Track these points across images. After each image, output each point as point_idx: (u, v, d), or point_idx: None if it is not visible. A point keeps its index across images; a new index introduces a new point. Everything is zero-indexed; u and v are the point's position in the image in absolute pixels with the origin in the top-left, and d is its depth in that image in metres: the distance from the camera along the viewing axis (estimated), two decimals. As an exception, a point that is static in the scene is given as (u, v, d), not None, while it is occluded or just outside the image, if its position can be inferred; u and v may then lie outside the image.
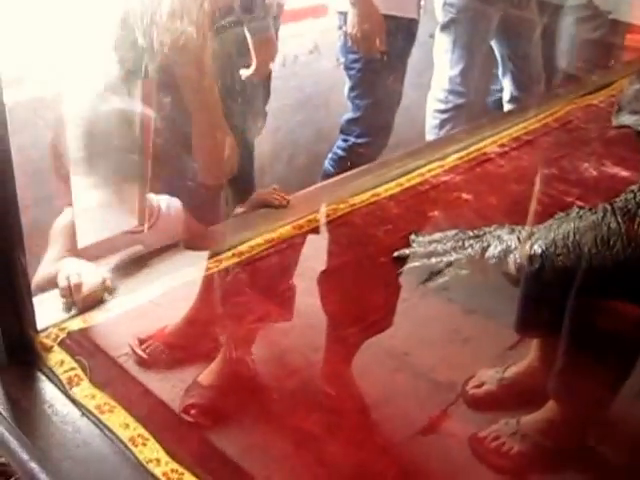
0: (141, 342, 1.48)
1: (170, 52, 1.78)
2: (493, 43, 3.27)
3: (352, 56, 2.80)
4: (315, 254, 1.83)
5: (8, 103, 1.19)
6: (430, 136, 3.23)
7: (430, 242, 1.76)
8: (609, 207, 1.37)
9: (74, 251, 1.71)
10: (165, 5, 1.73)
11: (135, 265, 1.69)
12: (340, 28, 2.77)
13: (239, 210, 1.96)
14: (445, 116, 3.19)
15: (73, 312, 1.52)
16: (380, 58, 2.71)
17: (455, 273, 1.66)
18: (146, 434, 1.22)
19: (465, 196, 2.07)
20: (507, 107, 3.39)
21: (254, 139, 2.57)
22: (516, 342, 1.50)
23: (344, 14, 2.70)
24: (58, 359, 1.39)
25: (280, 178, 3.15)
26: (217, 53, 2.04)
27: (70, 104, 1.65)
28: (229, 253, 1.75)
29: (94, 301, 1.55)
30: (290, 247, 1.81)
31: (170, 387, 1.38)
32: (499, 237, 1.60)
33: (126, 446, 1.20)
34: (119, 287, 1.60)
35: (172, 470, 1.16)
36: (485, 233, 1.68)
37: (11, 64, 1.32)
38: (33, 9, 1.47)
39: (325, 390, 1.43)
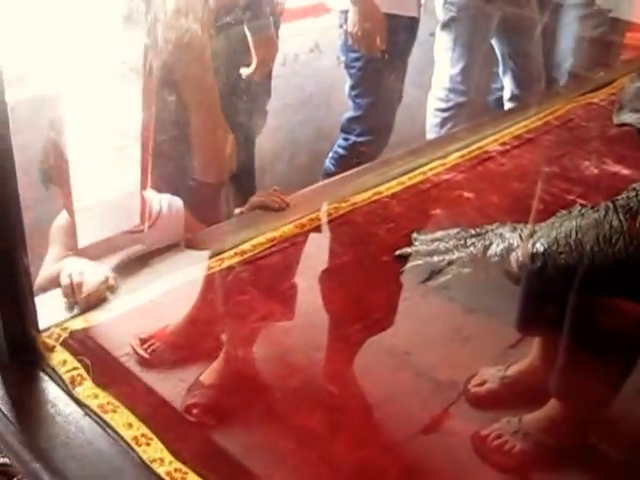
0: (142, 342, 1.48)
1: (173, 49, 1.78)
2: (493, 41, 3.27)
3: (353, 55, 2.80)
4: (317, 253, 1.83)
5: (10, 102, 1.19)
6: (431, 135, 3.23)
7: (432, 240, 1.76)
8: (611, 205, 1.37)
9: (75, 251, 1.71)
10: (170, 3, 1.73)
11: (137, 264, 1.69)
12: (341, 27, 2.77)
13: (237, 212, 1.96)
14: (446, 115, 3.19)
15: (75, 312, 1.52)
16: (381, 57, 2.71)
17: (457, 271, 1.66)
18: (150, 434, 1.22)
19: (467, 194, 2.07)
20: (508, 105, 3.38)
21: (255, 138, 2.57)
22: (517, 340, 1.51)
23: (345, 13, 2.70)
24: (61, 359, 1.39)
25: (281, 177, 3.16)
26: (217, 52, 2.04)
27: (70, 103, 1.65)
28: (231, 252, 1.75)
29: (97, 300, 1.55)
30: (292, 246, 1.81)
31: (173, 386, 1.38)
32: (501, 235, 1.60)
33: (129, 446, 1.20)
34: (121, 286, 1.60)
35: (176, 469, 1.16)
36: (487, 231, 1.68)
37: (13, 63, 1.32)
38: (36, 7, 1.47)
39: (327, 389, 1.44)
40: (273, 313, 1.62)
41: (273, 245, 1.80)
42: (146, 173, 1.79)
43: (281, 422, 1.33)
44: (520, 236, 1.54)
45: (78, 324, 1.49)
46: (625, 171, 2.17)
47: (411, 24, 2.84)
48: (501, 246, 1.57)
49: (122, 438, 1.22)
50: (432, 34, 3.21)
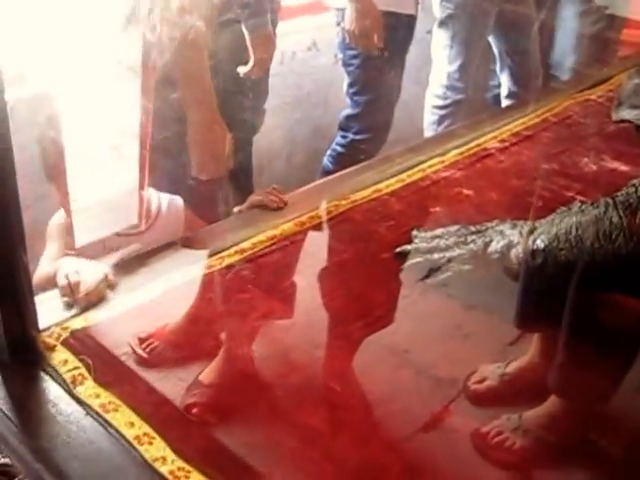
0: (141, 341, 1.48)
1: (171, 47, 1.78)
2: (490, 39, 3.27)
3: (350, 52, 2.79)
4: (317, 251, 1.83)
5: (10, 101, 1.18)
6: (428, 132, 3.23)
7: (432, 238, 1.76)
8: (611, 201, 1.37)
9: (72, 250, 1.71)
10: (167, 1, 1.73)
11: (137, 263, 1.69)
12: (338, 24, 2.76)
13: (236, 210, 1.96)
14: (443, 112, 3.19)
15: (75, 311, 1.52)
16: (378, 54, 2.71)
17: (458, 269, 1.66)
18: (152, 432, 1.22)
19: (466, 191, 2.07)
20: (505, 102, 3.39)
21: (252, 136, 2.58)
22: (517, 337, 1.51)
23: (342, 10, 2.69)
24: (61, 358, 1.39)
25: (279, 175, 3.16)
26: (215, 50, 2.04)
27: (67, 102, 1.65)
28: (231, 250, 1.75)
29: (97, 298, 1.55)
30: (292, 244, 1.81)
31: (173, 385, 1.38)
32: (501, 232, 1.60)
33: (132, 445, 1.20)
34: (122, 285, 1.60)
35: (179, 468, 1.16)
36: (487, 228, 1.68)
37: (13, 62, 1.31)
38: (36, 6, 1.46)
39: (328, 387, 1.44)
40: (273, 311, 1.62)
41: (273, 243, 1.80)
42: (144, 171, 1.79)
43: (282, 420, 1.33)
44: (520, 233, 1.54)
45: (78, 323, 1.49)
46: (624, 167, 2.17)
47: (408, 21, 2.84)
48: (501, 243, 1.57)
49: (124, 437, 1.22)
50: (429, 32, 3.20)
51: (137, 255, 1.72)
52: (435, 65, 3.21)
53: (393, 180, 2.11)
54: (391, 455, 1.27)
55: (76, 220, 1.70)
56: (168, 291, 1.61)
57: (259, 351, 1.51)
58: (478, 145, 2.35)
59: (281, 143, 3.33)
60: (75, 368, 1.36)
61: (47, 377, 1.35)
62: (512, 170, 2.22)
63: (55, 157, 1.69)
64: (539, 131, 2.49)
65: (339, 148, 2.96)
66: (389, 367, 1.45)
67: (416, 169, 2.18)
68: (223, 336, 1.58)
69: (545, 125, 2.54)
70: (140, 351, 1.45)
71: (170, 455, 1.18)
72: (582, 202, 1.44)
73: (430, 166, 2.21)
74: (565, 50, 3.48)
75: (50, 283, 1.59)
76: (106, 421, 1.25)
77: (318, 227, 1.89)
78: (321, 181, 2.38)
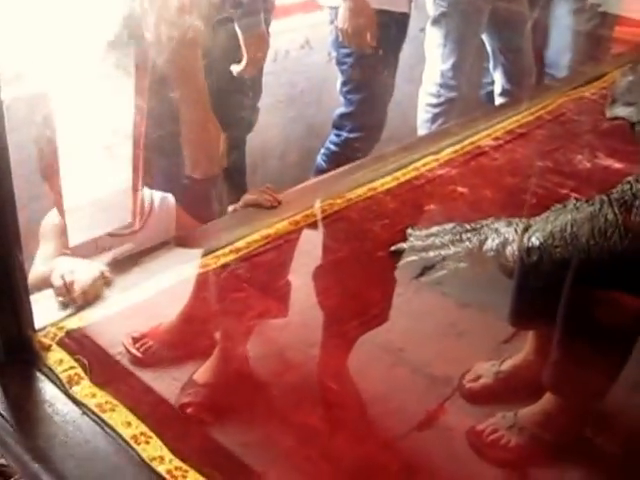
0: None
1: (164, 46, 1.78)
2: (484, 36, 3.27)
3: (344, 51, 2.79)
4: (312, 249, 1.83)
5: (6, 100, 1.18)
6: (422, 130, 3.23)
7: (427, 236, 1.76)
8: (606, 198, 1.37)
9: (66, 249, 1.71)
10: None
11: (132, 262, 1.69)
12: (331, 23, 2.76)
13: (231, 210, 1.96)
14: (437, 110, 3.19)
15: (71, 311, 1.52)
16: (372, 53, 2.71)
17: (453, 266, 1.66)
18: (149, 432, 1.22)
19: (461, 189, 2.07)
20: (499, 100, 3.39)
21: (246, 135, 2.57)
22: (511, 335, 1.51)
23: (335, 9, 2.69)
24: (57, 358, 1.39)
25: (272, 174, 3.15)
26: (208, 49, 2.03)
27: (62, 101, 1.65)
28: (226, 249, 1.75)
29: (94, 296, 1.55)
30: (287, 243, 1.81)
31: (168, 384, 1.38)
32: (496, 230, 1.60)
33: (129, 444, 1.20)
34: (117, 285, 1.60)
35: (176, 467, 1.16)
36: (482, 226, 1.68)
37: (10, 61, 1.31)
38: (33, 4, 1.46)
39: (323, 386, 1.44)
40: (268, 310, 1.62)
41: (268, 242, 1.80)
42: (138, 171, 1.79)
43: (278, 419, 1.33)
44: (515, 230, 1.54)
45: (74, 323, 1.49)
46: (618, 164, 2.18)
47: (402, 20, 2.84)
48: (497, 241, 1.57)
49: (121, 437, 1.22)
50: (423, 29, 3.21)
51: (132, 254, 1.72)
52: (428, 63, 3.21)
53: (388, 178, 2.11)
54: (386, 453, 1.27)
55: (69, 220, 1.70)
56: (164, 290, 1.61)
57: (254, 350, 1.51)
58: (472, 143, 2.36)
59: (275, 142, 3.33)
60: (71, 368, 1.36)
61: (43, 377, 1.34)
62: (506, 168, 2.22)
63: (50, 156, 1.69)
64: (533, 129, 2.49)
65: (333, 146, 2.96)
66: (384, 366, 1.46)
67: (410, 167, 2.19)
68: (218, 335, 1.58)
69: (539, 123, 2.54)
70: (134, 350, 1.45)
71: (167, 454, 1.18)
72: (577, 199, 1.44)
73: (424, 164, 2.21)
74: (560, 48, 3.49)
75: (45, 283, 1.58)
76: (103, 421, 1.25)
77: (313, 226, 1.89)
78: (316, 180, 2.38)
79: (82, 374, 1.35)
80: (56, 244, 1.75)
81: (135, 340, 1.47)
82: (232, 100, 2.32)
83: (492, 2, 3.10)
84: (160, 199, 1.92)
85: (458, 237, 1.69)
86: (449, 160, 2.25)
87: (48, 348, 1.41)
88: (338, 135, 2.95)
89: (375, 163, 2.22)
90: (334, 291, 1.68)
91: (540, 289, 1.38)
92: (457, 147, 2.32)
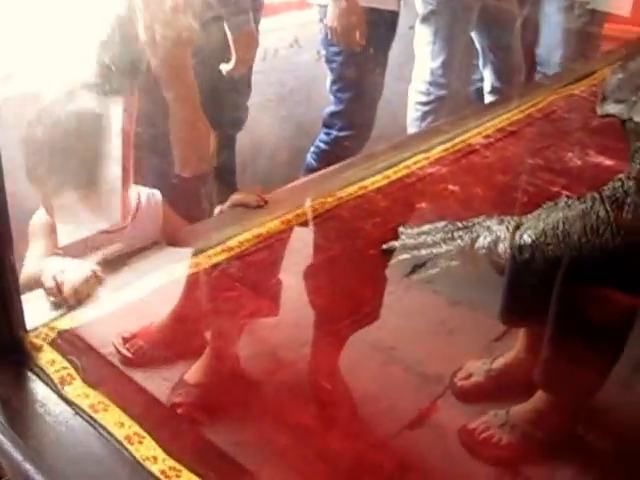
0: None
1: (154, 45, 1.77)
2: (473, 34, 3.28)
3: (333, 49, 2.79)
4: (303, 248, 1.83)
5: (-3, 100, 1.18)
6: (412, 128, 3.24)
7: (419, 234, 1.76)
8: (597, 196, 1.37)
9: (56, 249, 1.70)
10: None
11: (123, 262, 1.68)
12: (321, 21, 2.76)
13: (218, 210, 1.96)
14: (427, 108, 3.19)
15: (62, 311, 1.51)
16: (361, 51, 2.71)
17: (445, 264, 1.66)
18: (142, 432, 1.21)
19: (452, 187, 2.07)
20: (488, 98, 3.40)
21: (236, 134, 2.57)
22: (502, 333, 1.51)
23: (324, 7, 2.70)
24: (49, 358, 1.38)
25: (262, 172, 3.15)
26: (198, 48, 2.03)
27: (49, 101, 1.64)
28: (218, 249, 1.75)
29: (86, 295, 1.54)
30: (278, 242, 1.81)
31: (163, 384, 1.37)
32: (488, 228, 1.60)
33: (122, 444, 1.19)
34: (108, 284, 1.59)
35: (170, 468, 1.15)
36: (474, 224, 1.68)
37: (1, 60, 1.31)
38: (24, 5, 1.46)
39: (314, 385, 1.44)
40: (260, 309, 1.61)
41: (260, 241, 1.79)
42: (128, 171, 1.79)
43: (271, 418, 1.33)
44: (507, 228, 1.54)
45: (65, 323, 1.48)
46: (609, 162, 2.18)
47: (391, 18, 2.84)
48: (489, 238, 1.57)
49: (114, 437, 1.21)
50: (412, 27, 3.21)
51: (123, 254, 1.71)
52: (418, 61, 3.21)
53: (379, 177, 2.11)
54: (378, 452, 1.27)
55: (57, 219, 1.70)
56: (156, 290, 1.61)
57: (246, 349, 1.50)
58: (463, 141, 2.36)
59: (265, 140, 3.33)
60: (63, 368, 1.35)
61: (35, 377, 1.33)
62: (497, 166, 2.22)
63: (40, 156, 1.68)
64: (523, 126, 2.50)
65: (323, 145, 2.96)
66: (376, 364, 1.45)
67: (401, 166, 2.18)
68: (210, 334, 1.58)
69: (529, 120, 2.55)
70: (124, 351, 1.45)
71: (161, 454, 1.17)
72: (568, 197, 1.44)
73: (415, 162, 2.21)
74: (551, 46, 3.50)
75: (36, 283, 1.58)
76: (95, 421, 1.24)
77: (304, 224, 1.89)
78: (307, 178, 2.38)
79: (74, 374, 1.34)
80: (46, 243, 1.74)
81: (125, 340, 1.47)
82: (222, 99, 2.32)
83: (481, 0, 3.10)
84: (147, 195, 1.91)
85: (450, 235, 1.69)
86: (440, 158, 2.25)
87: (40, 348, 1.40)
88: (328, 134, 2.95)
89: (366, 161, 2.22)
90: (326, 290, 1.68)
91: (532, 287, 1.38)
92: (448, 145, 2.32)
